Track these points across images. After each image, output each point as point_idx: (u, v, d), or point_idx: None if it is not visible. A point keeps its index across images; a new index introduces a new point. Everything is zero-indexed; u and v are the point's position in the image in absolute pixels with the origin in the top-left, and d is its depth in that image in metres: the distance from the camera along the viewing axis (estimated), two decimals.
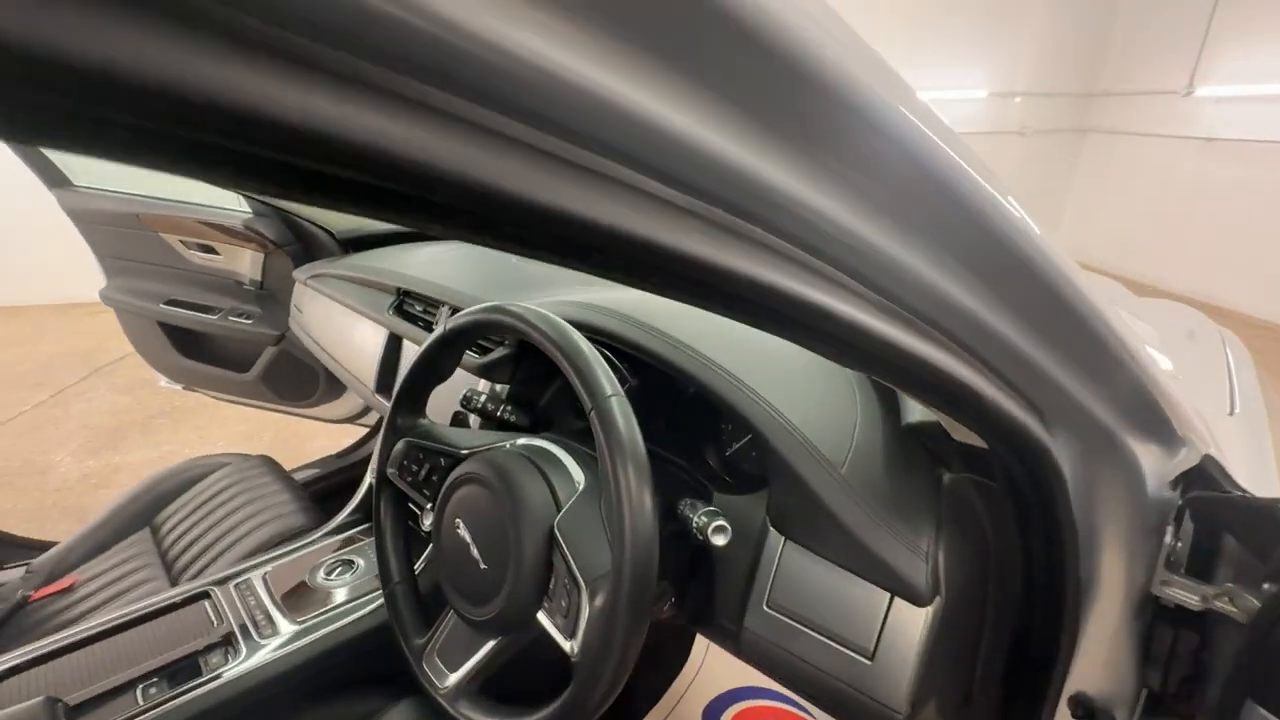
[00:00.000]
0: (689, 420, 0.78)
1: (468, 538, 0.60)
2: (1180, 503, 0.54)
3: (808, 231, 0.25)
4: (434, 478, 0.69)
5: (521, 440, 0.67)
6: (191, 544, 1.16)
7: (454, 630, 0.65)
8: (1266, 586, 0.43)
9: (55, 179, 1.67)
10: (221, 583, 0.96)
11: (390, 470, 0.72)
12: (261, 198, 1.49)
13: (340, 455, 1.78)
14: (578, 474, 0.60)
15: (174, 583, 1.11)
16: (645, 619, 0.47)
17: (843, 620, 0.52)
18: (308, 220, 1.53)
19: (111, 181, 1.67)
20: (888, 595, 0.51)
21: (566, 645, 0.51)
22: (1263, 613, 0.43)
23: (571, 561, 0.51)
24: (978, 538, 0.55)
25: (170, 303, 1.73)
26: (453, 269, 1.16)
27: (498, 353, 0.89)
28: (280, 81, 0.14)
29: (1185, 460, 0.54)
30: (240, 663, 0.81)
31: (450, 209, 0.19)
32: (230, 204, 1.58)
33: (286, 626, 0.88)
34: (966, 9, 4.97)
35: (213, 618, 0.90)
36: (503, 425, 0.81)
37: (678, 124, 0.20)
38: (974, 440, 0.50)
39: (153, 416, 2.69)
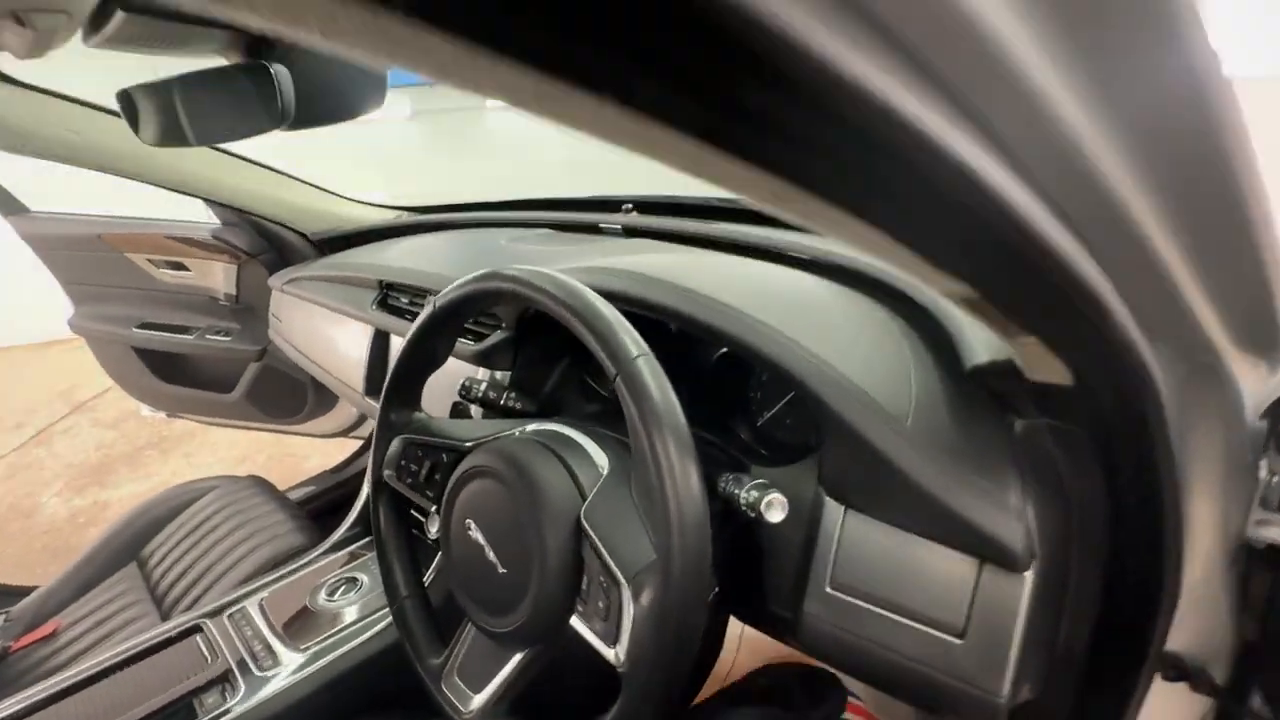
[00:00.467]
0: (712, 393, 0.71)
1: (481, 540, 0.53)
2: (1270, 432, 0.48)
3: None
4: (436, 476, 0.62)
5: (532, 426, 0.60)
6: (182, 575, 1.08)
7: (474, 645, 0.58)
8: None
9: (9, 206, 1.58)
10: (214, 614, 0.88)
11: (387, 473, 0.65)
12: (234, 205, 1.40)
13: (335, 470, 1.70)
14: (599, 457, 0.53)
15: (165, 617, 1.03)
16: (702, 614, 0.40)
17: (924, 595, 0.45)
18: (280, 224, 1.44)
19: (70, 204, 1.58)
20: (976, 562, 0.44)
21: (610, 653, 0.44)
22: None
23: (606, 555, 0.44)
24: (1060, 489, 0.49)
25: (143, 326, 1.64)
26: (436, 256, 1.08)
27: (495, 337, 0.82)
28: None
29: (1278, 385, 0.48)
30: (239, 701, 0.74)
31: None
32: (195, 216, 1.49)
33: (290, 656, 0.80)
34: None
35: (206, 654, 0.82)
36: (508, 414, 0.73)
37: None
38: (1053, 377, 0.43)
39: (140, 449, 2.59)
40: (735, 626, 1.20)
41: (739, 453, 0.65)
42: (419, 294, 0.98)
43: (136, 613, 1.03)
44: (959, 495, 0.44)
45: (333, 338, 1.15)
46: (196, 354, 1.63)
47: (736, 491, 0.53)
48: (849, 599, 0.49)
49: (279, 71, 0.56)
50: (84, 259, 1.60)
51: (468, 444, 0.60)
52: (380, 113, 0.68)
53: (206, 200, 1.41)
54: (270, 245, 1.52)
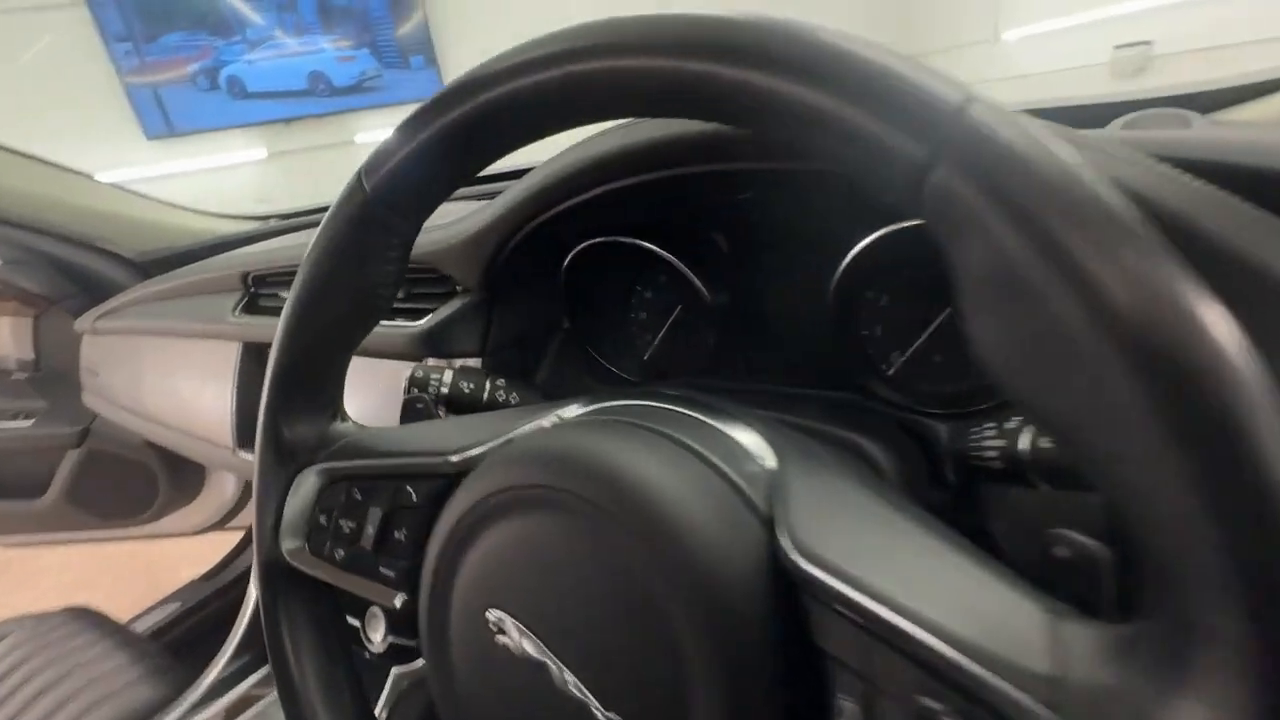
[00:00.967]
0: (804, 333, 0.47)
1: (536, 649, 0.24)
2: None
3: None
4: (397, 533, 0.31)
5: (573, 408, 0.32)
6: None
7: None
8: None
9: None
10: None
11: (289, 545, 0.34)
12: (17, 223, 0.98)
13: (207, 578, 1.26)
14: (747, 437, 0.27)
15: None
16: None
17: None
18: (90, 245, 1.04)
19: None
20: None
21: None
22: None
23: (929, 636, 0.17)
24: None
25: None
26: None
27: (449, 308, 0.52)
28: None
29: None
30: None
31: None
32: None
33: None
34: None
35: None
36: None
37: None
38: None
39: None
40: None
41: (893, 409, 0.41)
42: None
43: None
44: None
45: (177, 379, 0.78)
46: None
47: None
48: None
49: None
50: None
51: (453, 457, 0.30)
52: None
53: None
54: (77, 284, 1.11)
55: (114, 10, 3.51)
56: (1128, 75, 4.14)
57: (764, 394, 0.48)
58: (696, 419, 0.28)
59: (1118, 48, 4.21)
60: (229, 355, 0.72)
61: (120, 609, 0.99)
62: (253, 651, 0.69)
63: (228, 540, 1.33)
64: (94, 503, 1.23)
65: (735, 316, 0.52)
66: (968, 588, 0.19)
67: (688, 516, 0.22)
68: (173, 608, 1.14)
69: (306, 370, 0.34)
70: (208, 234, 1.10)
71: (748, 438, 0.27)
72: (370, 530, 0.32)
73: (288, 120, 3.98)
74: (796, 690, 0.21)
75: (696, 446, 0.25)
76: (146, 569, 1.83)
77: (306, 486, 0.34)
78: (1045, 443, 0.28)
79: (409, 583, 0.31)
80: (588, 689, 0.23)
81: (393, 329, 0.55)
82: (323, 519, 0.33)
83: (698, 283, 0.49)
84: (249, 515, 0.87)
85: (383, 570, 0.32)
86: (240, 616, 0.74)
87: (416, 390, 0.46)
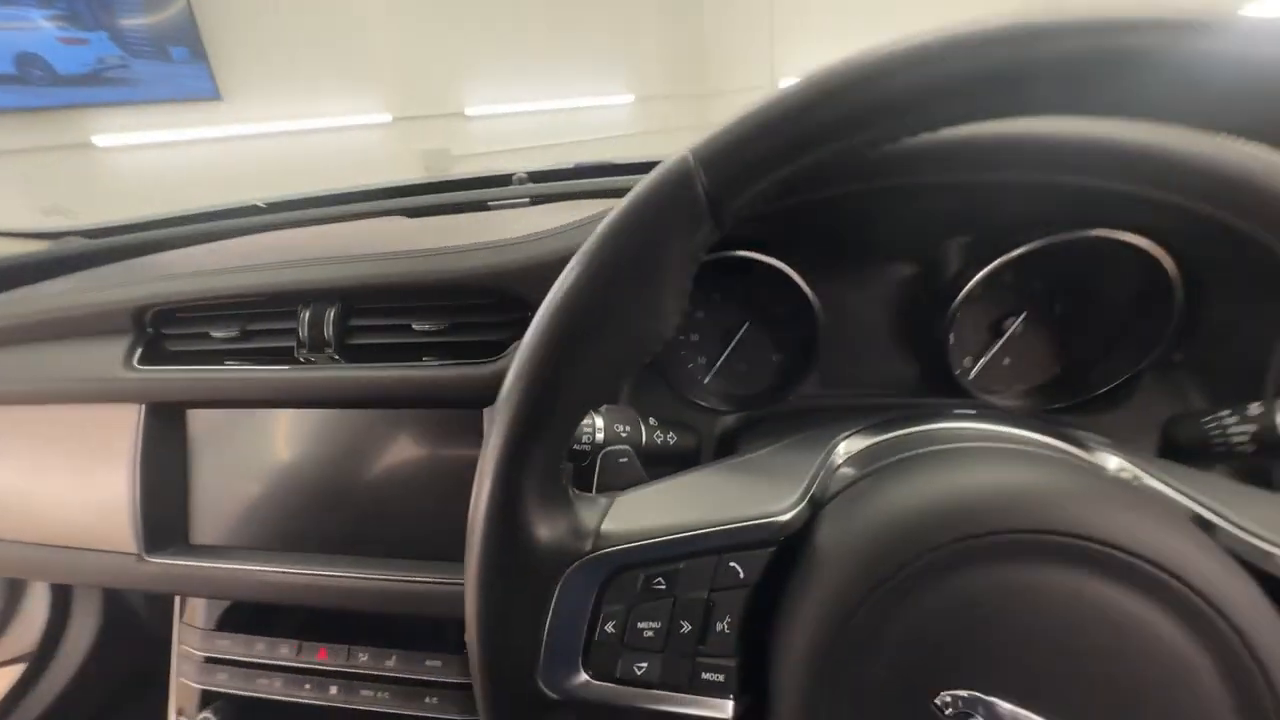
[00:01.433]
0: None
1: None
2: None
3: None
4: (718, 625, 0.25)
5: (863, 441, 0.28)
6: None
7: None
8: None
9: None
10: None
11: (565, 672, 0.24)
12: None
13: None
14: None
15: None
16: None
17: None
18: None
19: None
20: None
21: None
22: None
23: None
24: None
25: None
26: (237, 258, 0.58)
27: None
28: None
29: None
30: None
31: None
32: None
33: None
34: (599, 25, 5.41)
35: None
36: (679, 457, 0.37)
37: None
38: None
39: None
40: None
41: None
42: (238, 311, 0.50)
43: None
44: None
45: (23, 466, 0.53)
46: None
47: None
48: None
49: None
50: None
51: (783, 516, 0.25)
52: None
53: None
54: None
55: None
56: None
57: (883, 408, 0.48)
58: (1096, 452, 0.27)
59: None
60: (122, 423, 0.51)
61: None
62: None
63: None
64: None
65: (812, 331, 0.50)
66: None
67: (1207, 563, 0.20)
68: None
69: (557, 429, 0.25)
70: None
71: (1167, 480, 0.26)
72: (686, 627, 0.24)
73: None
74: None
75: (1117, 468, 0.24)
76: None
77: (581, 587, 0.25)
78: None
79: (743, 684, 0.24)
80: None
81: (457, 370, 0.44)
82: (609, 627, 0.24)
83: (810, 294, 0.47)
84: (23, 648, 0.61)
85: (705, 676, 0.24)
86: None
87: (605, 442, 0.36)
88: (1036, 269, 0.44)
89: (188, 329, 0.52)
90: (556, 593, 0.25)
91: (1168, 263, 0.41)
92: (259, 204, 0.99)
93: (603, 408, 0.39)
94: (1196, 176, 0.34)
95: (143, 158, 3.34)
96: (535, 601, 0.25)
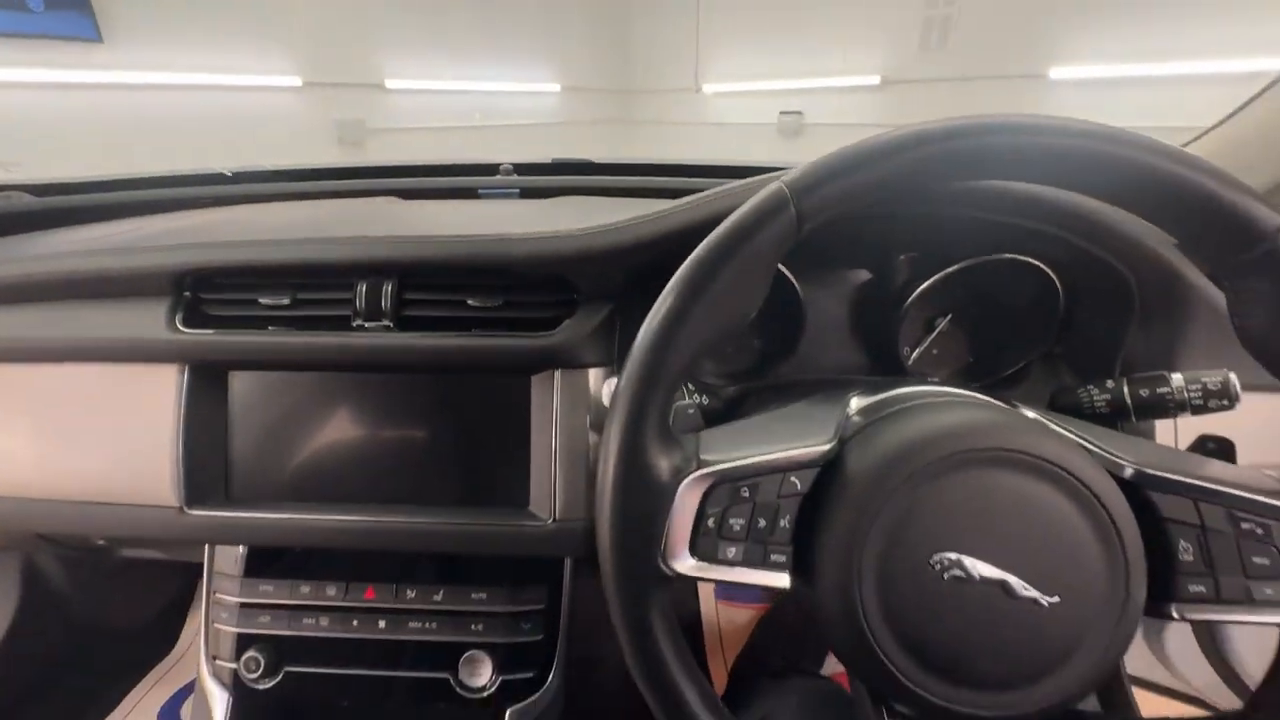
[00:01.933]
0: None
1: (991, 573, 0.32)
2: None
3: None
4: (782, 521, 0.35)
5: (864, 400, 0.40)
6: None
7: None
8: None
9: None
10: None
11: (676, 556, 0.34)
12: None
13: None
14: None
15: None
16: None
17: None
18: None
19: None
20: None
21: None
22: None
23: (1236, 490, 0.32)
24: None
25: None
26: (250, 226, 0.61)
27: (582, 320, 0.51)
28: None
29: None
30: None
31: None
32: None
33: None
34: (529, 11, 5.35)
35: None
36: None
37: None
38: None
39: None
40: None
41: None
42: (288, 280, 0.54)
43: None
44: None
45: (56, 423, 0.54)
46: None
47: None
48: None
49: None
50: None
51: (823, 446, 0.35)
52: None
53: None
54: None
55: None
56: (789, 135, 5.41)
57: (850, 383, 0.61)
58: (975, 397, 0.40)
59: (782, 113, 5.45)
60: (162, 383, 0.53)
61: None
62: None
63: None
64: None
65: (797, 322, 0.62)
66: None
67: (1086, 465, 0.33)
68: None
69: (671, 382, 0.34)
70: None
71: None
72: (761, 523, 0.34)
73: None
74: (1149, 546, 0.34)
75: (1032, 416, 0.37)
76: None
77: (690, 495, 0.34)
78: (1144, 391, 0.47)
79: (797, 565, 0.35)
80: (1035, 587, 0.32)
81: (513, 340, 0.51)
82: (709, 523, 0.34)
83: (798, 286, 0.58)
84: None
85: (773, 558, 0.34)
86: None
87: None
88: (961, 281, 0.58)
89: (231, 294, 0.54)
90: (674, 500, 0.34)
91: (1054, 279, 0.56)
92: (225, 173, 0.97)
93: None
94: (1072, 219, 0.49)
95: (5, 98, 2.94)
96: (658, 508, 0.34)
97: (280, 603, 0.54)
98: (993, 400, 0.41)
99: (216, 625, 0.55)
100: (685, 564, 0.34)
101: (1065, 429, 0.37)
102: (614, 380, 0.43)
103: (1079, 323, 0.57)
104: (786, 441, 0.36)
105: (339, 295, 0.53)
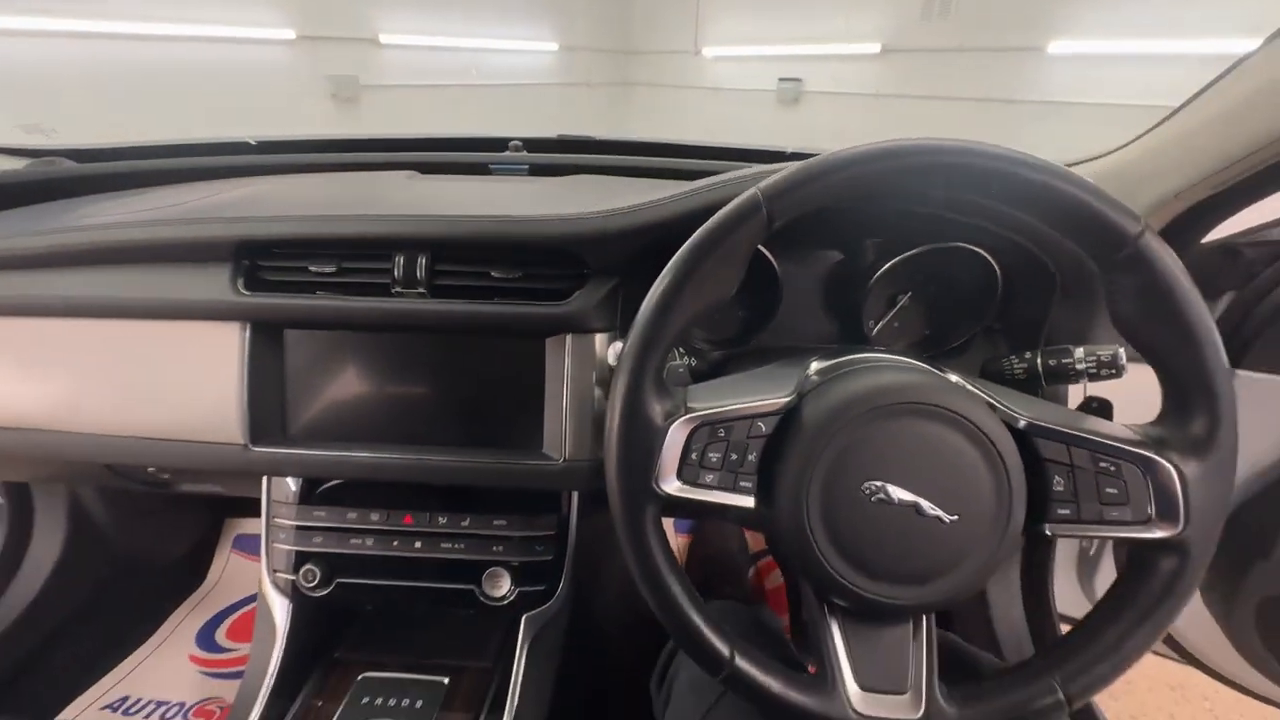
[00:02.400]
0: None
1: (907, 497, 0.42)
2: None
3: None
4: (750, 456, 0.45)
5: (821, 364, 0.49)
6: None
7: (861, 641, 0.45)
8: None
9: None
10: None
11: (666, 480, 0.43)
12: None
13: None
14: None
15: None
16: None
17: None
18: None
19: None
20: None
21: (1161, 534, 0.42)
22: None
23: (1102, 437, 0.42)
24: None
25: None
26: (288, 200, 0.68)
27: (591, 291, 0.61)
28: None
29: None
30: None
31: None
32: None
33: None
34: None
35: None
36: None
37: None
38: None
39: None
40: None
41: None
42: (335, 251, 0.62)
43: None
44: None
45: (132, 372, 0.63)
46: None
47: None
48: None
49: None
50: None
51: (785, 398, 0.45)
52: None
53: None
54: None
55: None
56: (788, 102, 5.39)
57: (814, 350, 0.70)
58: (896, 360, 0.50)
59: (781, 80, 5.41)
60: (229, 339, 0.61)
61: None
62: None
63: None
64: None
65: (775, 296, 0.71)
66: None
67: (986, 417, 0.43)
68: None
69: (665, 346, 0.43)
70: None
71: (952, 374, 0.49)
72: (733, 457, 0.44)
73: None
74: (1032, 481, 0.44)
75: (954, 379, 0.46)
76: None
77: (678, 434, 0.43)
78: (1052, 361, 0.56)
79: (760, 491, 0.45)
80: (940, 508, 0.42)
81: (531, 308, 0.60)
82: (693, 456, 0.44)
83: (776, 266, 0.67)
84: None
85: (741, 484, 0.44)
86: None
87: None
88: (920, 264, 0.67)
89: (285, 262, 0.63)
90: (666, 437, 0.44)
91: (995, 266, 0.65)
92: (249, 141, 1.03)
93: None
94: (1007, 218, 0.58)
95: None
96: (654, 443, 0.44)
97: (332, 525, 0.64)
98: (924, 365, 0.50)
99: (275, 544, 0.65)
100: (672, 485, 0.44)
101: (979, 389, 0.47)
102: (618, 344, 0.52)
103: (1013, 303, 0.66)
104: (756, 395, 0.46)
105: (379, 265, 0.61)
